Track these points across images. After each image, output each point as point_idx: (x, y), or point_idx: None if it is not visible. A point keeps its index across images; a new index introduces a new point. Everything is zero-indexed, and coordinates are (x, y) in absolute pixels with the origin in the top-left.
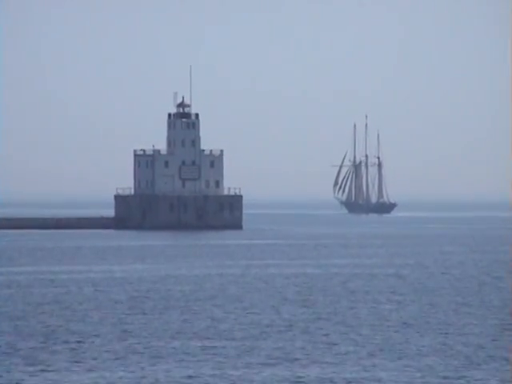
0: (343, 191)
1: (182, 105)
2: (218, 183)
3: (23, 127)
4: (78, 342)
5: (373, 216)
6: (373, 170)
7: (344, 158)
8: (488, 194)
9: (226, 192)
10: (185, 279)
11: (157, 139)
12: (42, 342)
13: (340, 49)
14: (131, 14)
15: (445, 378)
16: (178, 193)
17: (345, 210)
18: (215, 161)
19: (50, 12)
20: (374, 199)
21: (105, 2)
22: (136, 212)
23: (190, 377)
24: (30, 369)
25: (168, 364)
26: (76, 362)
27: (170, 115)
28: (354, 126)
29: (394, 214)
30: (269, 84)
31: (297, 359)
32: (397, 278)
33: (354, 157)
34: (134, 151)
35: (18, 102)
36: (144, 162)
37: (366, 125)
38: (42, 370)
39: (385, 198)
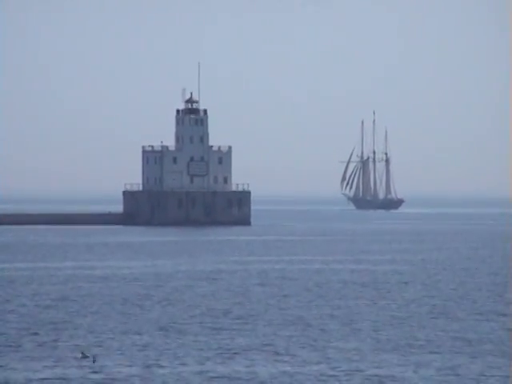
0: (351, 187)
1: (190, 101)
2: (226, 179)
3: (32, 124)
4: (84, 337)
5: (380, 212)
6: (380, 166)
7: (351, 154)
8: (497, 190)
9: (234, 188)
10: (191, 275)
11: (165, 135)
12: (47, 338)
13: (348, 46)
14: (139, 10)
15: (447, 373)
16: (186, 189)
17: (352, 206)
18: (223, 157)
19: (55, 8)
20: (381, 195)
21: None
22: (144, 208)
23: (195, 372)
24: (36, 364)
25: (173, 359)
26: (82, 357)
27: (178, 111)
28: (362, 122)
29: (402, 209)
30: (277, 81)
31: (300, 355)
32: (403, 274)
33: (362, 153)
34: (143, 147)
35: (27, 100)
36: (152, 158)
37: (374, 121)
38: (47, 366)
39: (392, 194)
